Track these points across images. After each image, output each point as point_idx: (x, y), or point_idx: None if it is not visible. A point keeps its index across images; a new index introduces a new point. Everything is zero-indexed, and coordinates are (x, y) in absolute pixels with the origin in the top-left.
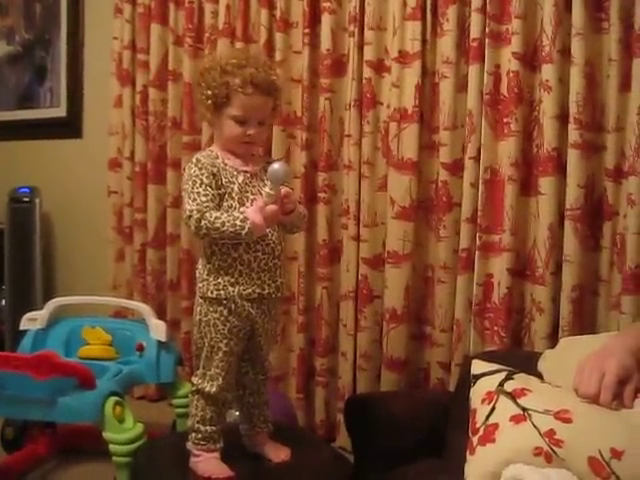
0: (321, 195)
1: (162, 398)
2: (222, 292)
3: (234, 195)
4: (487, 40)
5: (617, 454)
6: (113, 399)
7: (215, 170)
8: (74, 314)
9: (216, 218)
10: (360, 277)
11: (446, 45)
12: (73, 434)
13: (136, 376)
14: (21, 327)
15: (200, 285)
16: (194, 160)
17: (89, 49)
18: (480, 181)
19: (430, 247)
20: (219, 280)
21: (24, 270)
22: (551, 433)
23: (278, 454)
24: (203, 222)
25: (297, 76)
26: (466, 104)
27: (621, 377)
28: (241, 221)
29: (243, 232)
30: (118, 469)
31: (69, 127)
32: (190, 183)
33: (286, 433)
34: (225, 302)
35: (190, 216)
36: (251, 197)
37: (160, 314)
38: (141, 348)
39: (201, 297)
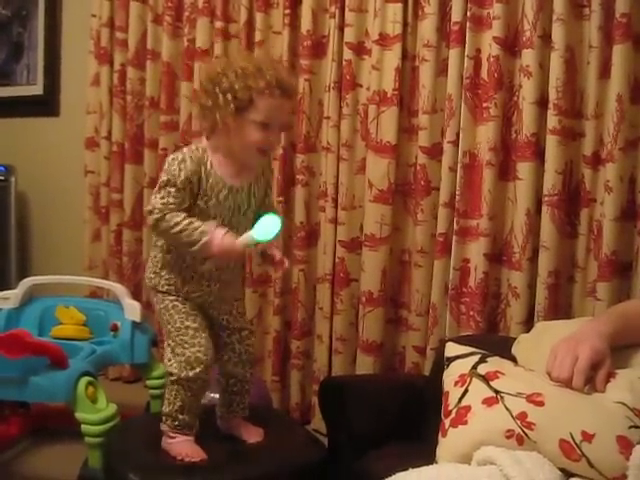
0: (299, 177)
1: (137, 380)
2: (172, 287)
3: (210, 204)
4: (468, 24)
5: (588, 437)
6: (86, 379)
7: (195, 178)
8: (49, 294)
9: (176, 223)
10: (337, 260)
11: (427, 28)
12: (46, 414)
13: (110, 356)
14: None
15: (152, 276)
16: (180, 157)
17: (67, 26)
18: (459, 165)
19: (407, 231)
20: (171, 275)
21: None
22: (523, 416)
23: (252, 436)
24: (163, 223)
25: (277, 57)
26: (446, 88)
27: (594, 361)
28: (200, 233)
29: (198, 244)
30: (90, 449)
31: (46, 105)
32: (165, 178)
33: (261, 415)
34: (175, 293)
35: (151, 211)
36: (226, 211)
37: (136, 295)
38: (115, 328)
39: (152, 288)
